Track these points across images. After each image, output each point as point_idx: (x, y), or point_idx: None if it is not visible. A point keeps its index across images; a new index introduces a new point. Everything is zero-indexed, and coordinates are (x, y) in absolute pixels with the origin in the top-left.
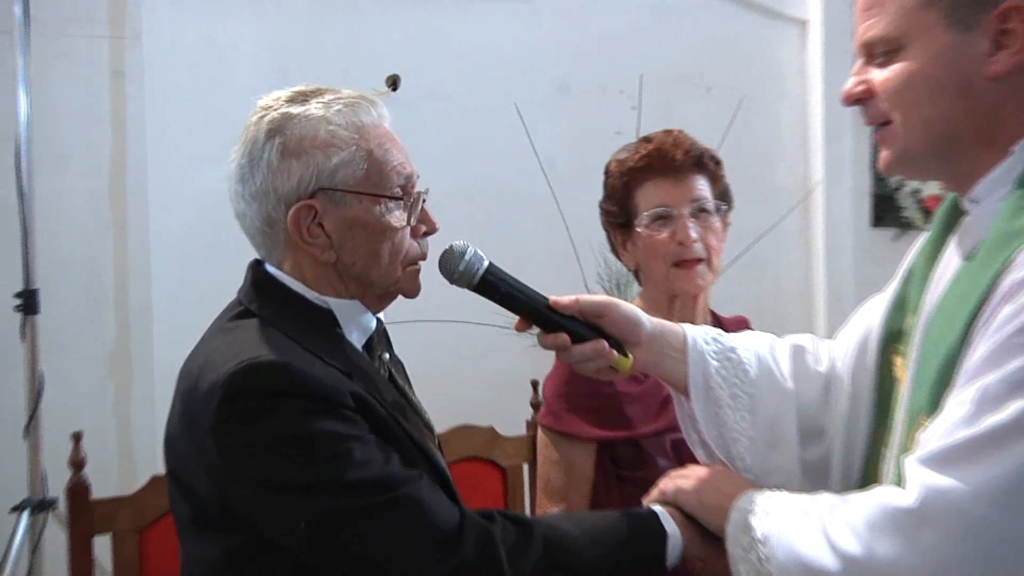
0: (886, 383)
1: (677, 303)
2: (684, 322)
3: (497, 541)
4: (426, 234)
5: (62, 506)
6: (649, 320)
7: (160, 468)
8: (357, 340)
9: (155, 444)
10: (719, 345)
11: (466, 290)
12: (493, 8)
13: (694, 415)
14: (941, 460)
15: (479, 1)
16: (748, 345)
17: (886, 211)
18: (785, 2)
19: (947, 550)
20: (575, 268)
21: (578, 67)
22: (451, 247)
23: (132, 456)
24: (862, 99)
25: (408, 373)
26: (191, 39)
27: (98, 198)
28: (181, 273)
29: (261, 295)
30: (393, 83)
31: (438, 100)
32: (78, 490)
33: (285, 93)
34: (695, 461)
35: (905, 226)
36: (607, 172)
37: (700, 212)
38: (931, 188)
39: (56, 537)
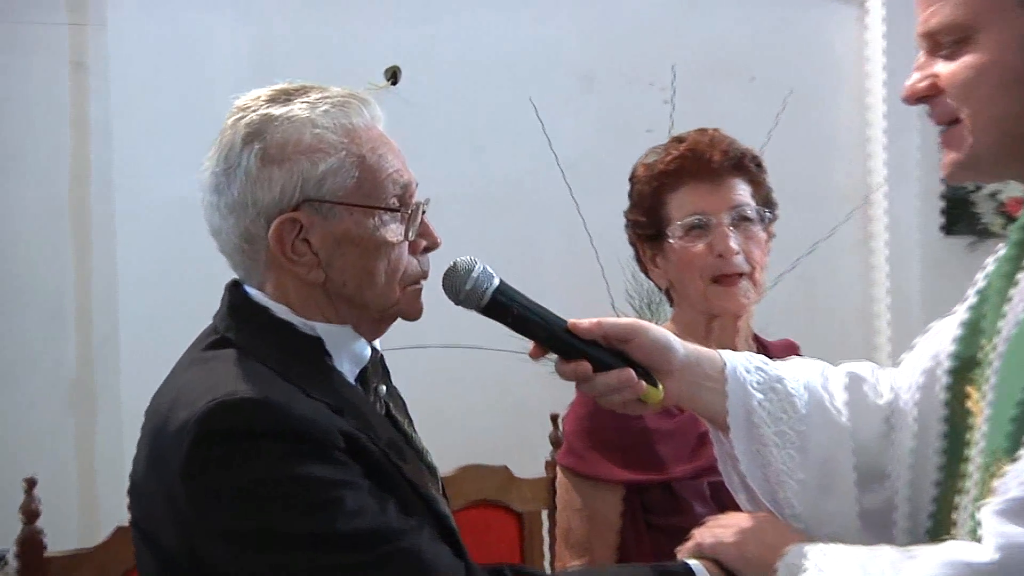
0: (958, 418)
1: (715, 325)
2: (723, 347)
3: None
4: (427, 249)
5: (12, 561)
6: (683, 346)
7: (127, 517)
8: (349, 371)
9: (122, 490)
10: (763, 374)
11: (474, 312)
12: None
13: (735, 454)
14: (1022, 511)
15: None
16: (797, 374)
17: (959, 217)
18: None
19: None
20: (600, 286)
21: (603, 56)
22: (456, 264)
23: (95, 504)
24: (927, 96)
25: (408, 408)
26: (163, 28)
27: (56, 207)
28: (152, 294)
29: (239, 321)
30: (393, 75)
31: (443, 95)
32: (31, 543)
33: (265, 92)
34: (736, 507)
35: (982, 234)
36: (633, 177)
37: (741, 221)
38: (1013, 190)
39: None
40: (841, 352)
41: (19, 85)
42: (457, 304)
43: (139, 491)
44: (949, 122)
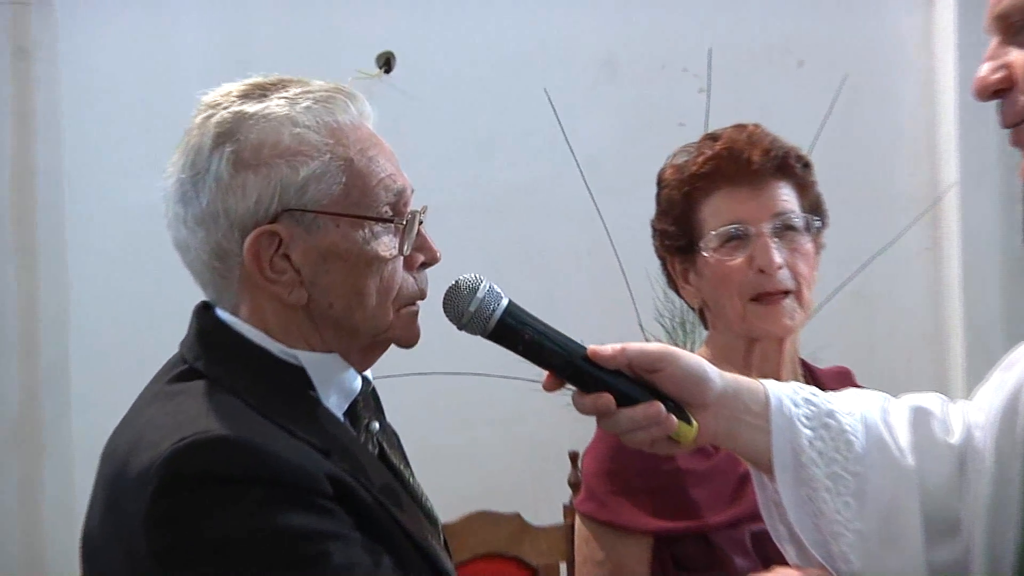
0: None
1: (756, 351)
2: (766, 377)
3: None
4: (424, 265)
5: None
6: (720, 375)
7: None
8: (337, 406)
9: (72, 543)
10: (813, 408)
11: (479, 338)
12: None
13: (781, 501)
14: None
15: None
16: (852, 408)
17: None
18: None
19: None
20: (626, 305)
21: (627, 39)
22: (458, 282)
23: (41, 559)
24: (1001, 90)
25: (404, 447)
26: (121, 10)
27: None
28: (109, 316)
29: (210, 349)
30: (385, 63)
31: (442, 85)
32: None
33: (238, 86)
34: (783, 561)
35: None
36: (661, 181)
37: (785, 230)
38: None
39: None
40: (905, 381)
41: None
42: (460, 329)
43: (93, 545)
44: (1019, 122)
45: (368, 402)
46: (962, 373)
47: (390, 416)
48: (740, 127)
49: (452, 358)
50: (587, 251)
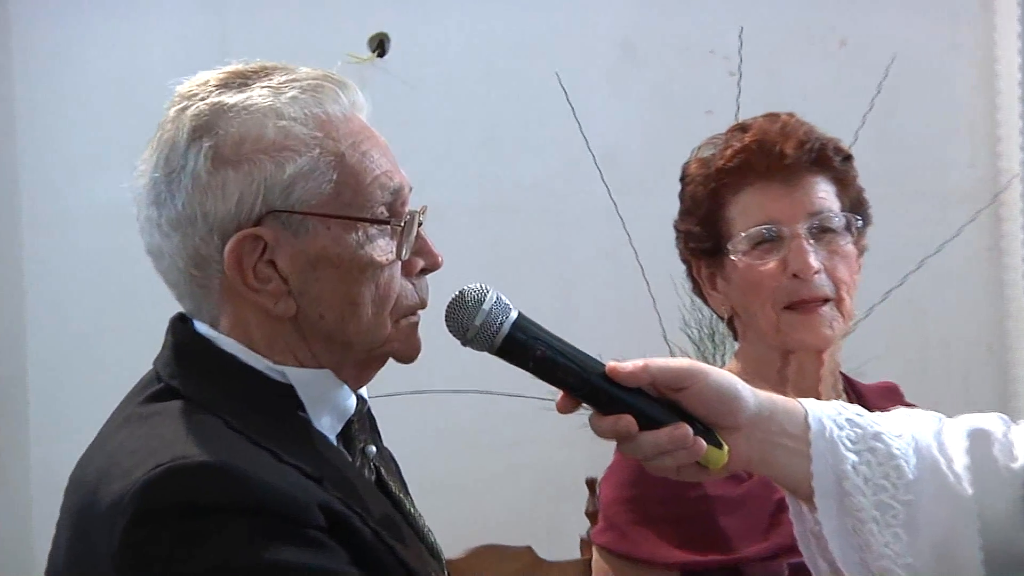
0: None
1: (792, 364)
2: (803, 392)
3: None
4: (425, 271)
5: None
6: (753, 394)
7: None
8: (329, 428)
9: None
10: (858, 429)
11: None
12: None
13: (821, 532)
14: None
15: None
16: (902, 429)
17: None
18: None
19: None
20: (648, 313)
21: (648, 19)
22: (463, 293)
23: None
24: None
25: (403, 473)
26: None
27: None
28: (72, 328)
29: (187, 366)
30: (379, 46)
31: (444, 71)
32: None
33: (216, 74)
34: None
35: None
36: (685, 176)
37: (822, 231)
38: None
39: None
40: (962, 399)
41: None
42: (464, 344)
43: None
44: None
45: (363, 423)
46: None
47: (387, 439)
48: (773, 116)
49: (455, 374)
50: (605, 254)
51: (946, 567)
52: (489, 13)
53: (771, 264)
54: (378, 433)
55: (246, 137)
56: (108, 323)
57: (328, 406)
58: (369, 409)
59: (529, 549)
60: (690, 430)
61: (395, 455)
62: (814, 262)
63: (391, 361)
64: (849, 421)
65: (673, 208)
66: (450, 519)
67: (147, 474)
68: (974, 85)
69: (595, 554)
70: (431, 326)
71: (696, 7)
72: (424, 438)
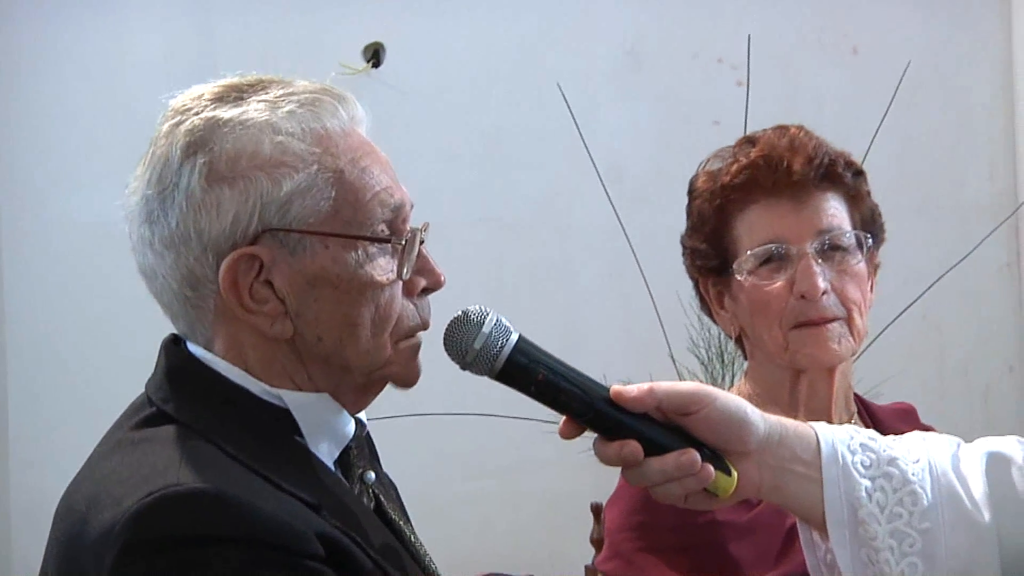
0: None
1: (803, 384)
2: (814, 414)
3: None
4: (427, 290)
5: None
6: (763, 418)
7: None
8: (327, 453)
9: None
10: (872, 454)
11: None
12: None
13: (834, 562)
14: None
15: None
16: (917, 454)
17: None
18: None
19: None
20: (655, 332)
21: (654, 26)
22: (464, 314)
23: None
24: None
25: (403, 499)
26: None
27: None
28: (54, 349)
29: (181, 389)
30: (375, 56)
31: (441, 81)
32: None
33: (210, 88)
34: None
35: None
36: (692, 191)
37: (832, 250)
38: None
39: None
40: (981, 421)
41: None
42: (464, 368)
43: None
44: None
45: (362, 449)
46: None
47: (386, 464)
48: (781, 129)
49: (456, 397)
50: (609, 271)
51: None
52: (488, 21)
53: (778, 284)
54: (377, 458)
55: (242, 153)
56: (95, 344)
57: (326, 431)
58: (368, 434)
59: None
60: (698, 456)
61: (395, 480)
62: (821, 283)
63: (390, 385)
64: (862, 446)
65: (680, 223)
66: (451, 547)
67: (138, 503)
68: (992, 94)
69: None
70: (430, 347)
71: (703, 14)
72: (425, 463)
